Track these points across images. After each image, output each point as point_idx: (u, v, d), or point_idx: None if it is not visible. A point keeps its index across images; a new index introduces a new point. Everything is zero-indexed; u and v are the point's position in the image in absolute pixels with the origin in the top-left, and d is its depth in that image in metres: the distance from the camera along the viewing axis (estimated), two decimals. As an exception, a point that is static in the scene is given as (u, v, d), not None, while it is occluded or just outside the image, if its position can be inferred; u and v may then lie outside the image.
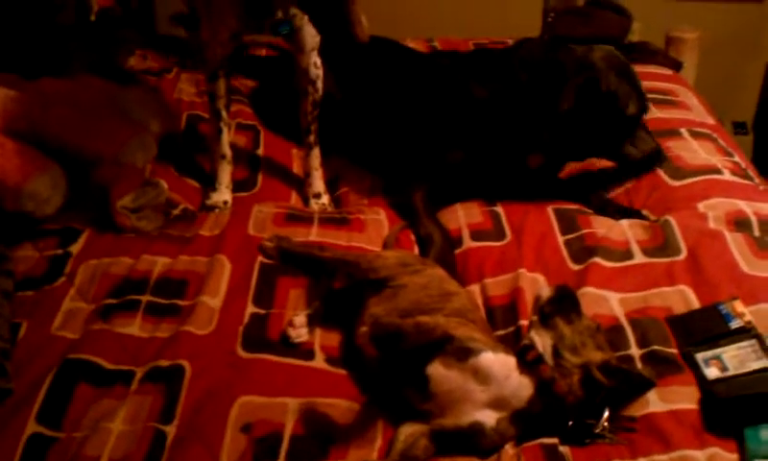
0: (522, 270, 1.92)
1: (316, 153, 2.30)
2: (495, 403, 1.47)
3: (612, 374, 1.50)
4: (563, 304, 1.59)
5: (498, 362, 1.50)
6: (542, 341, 1.54)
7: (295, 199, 2.31)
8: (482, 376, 1.47)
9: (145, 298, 1.82)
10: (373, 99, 2.49)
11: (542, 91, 2.15)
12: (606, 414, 1.48)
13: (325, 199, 2.29)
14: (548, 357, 1.51)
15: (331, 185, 2.36)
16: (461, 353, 1.49)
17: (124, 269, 1.91)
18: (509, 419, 1.47)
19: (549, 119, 2.14)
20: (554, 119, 2.13)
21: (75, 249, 1.98)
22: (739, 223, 2.01)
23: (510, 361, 1.51)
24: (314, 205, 2.26)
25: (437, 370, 1.48)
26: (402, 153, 2.35)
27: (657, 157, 2.26)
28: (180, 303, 1.81)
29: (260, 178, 2.36)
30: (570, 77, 2.12)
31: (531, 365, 1.50)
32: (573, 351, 1.51)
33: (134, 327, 1.74)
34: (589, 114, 2.14)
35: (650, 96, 2.51)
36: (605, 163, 2.32)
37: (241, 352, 1.68)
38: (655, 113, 2.55)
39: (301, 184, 2.33)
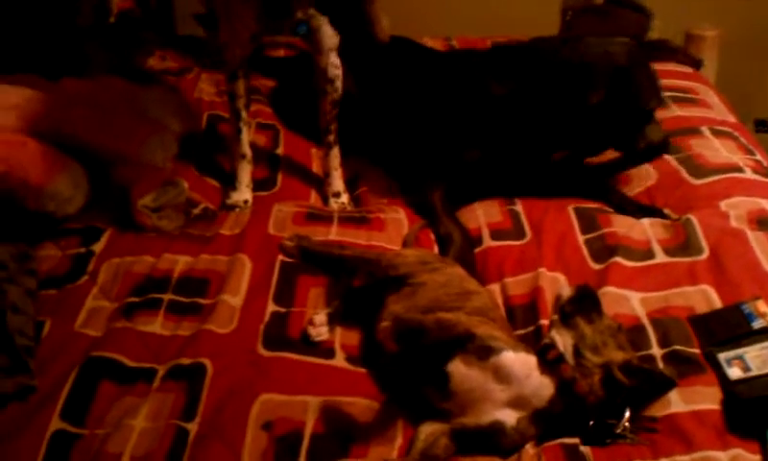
0: (542, 269, 1.92)
1: (335, 152, 2.30)
2: (516, 403, 1.47)
3: (633, 373, 1.49)
4: (583, 304, 1.59)
5: (519, 361, 1.49)
6: (563, 340, 1.53)
7: (314, 198, 2.31)
8: (503, 375, 1.47)
9: (167, 296, 1.83)
10: (392, 98, 2.49)
11: (567, 87, 2.14)
12: (627, 414, 1.47)
13: (345, 198, 2.29)
14: (569, 357, 1.50)
15: (350, 184, 2.36)
16: (482, 352, 1.48)
17: (146, 268, 1.93)
18: (529, 418, 1.47)
19: (576, 114, 2.13)
20: (581, 113, 2.13)
21: (97, 248, 2.00)
22: (762, 222, 1.99)
23: (531, 360, 1.50)
24: (333, 204, 2.27)
25: (457, 368, 1.48)
26: (421, 152, 2.35)
27: (664, 147, 2.24)
28: (202, 301, 1.82)
29: (280, 177, 2.37)
30: (597, 70, 2.12)
31: (552, 365, 1.49)
32: (594, 351, 1.50)
33: (156, 326, 1.75)
34: (616, 107, 2.13)
35: (670, 94, 2.51)
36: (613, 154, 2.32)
37: (262, 351, 1.68)
38: (675, 111, 2.54)
39: (321, 184, 2.34)
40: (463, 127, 2.28)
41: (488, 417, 1.46)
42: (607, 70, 2.12)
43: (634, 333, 1.68)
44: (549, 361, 1.49)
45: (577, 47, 2.20)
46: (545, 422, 1.48)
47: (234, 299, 1.82)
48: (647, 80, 2.17)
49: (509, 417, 1.46)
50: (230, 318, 1.77)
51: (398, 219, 2.16)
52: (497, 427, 1.45)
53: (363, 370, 1.66)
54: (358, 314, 1.79)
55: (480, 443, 1.47)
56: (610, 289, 1.82)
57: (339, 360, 1.68)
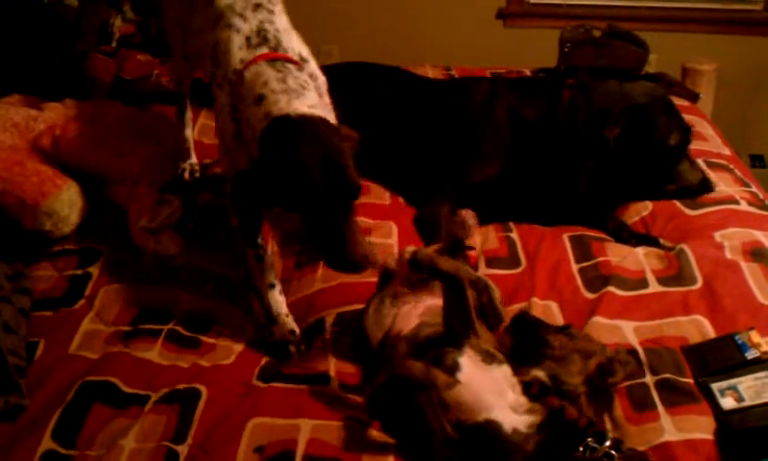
0: (534, 298, 1.92)
1: None
2: (511, 409, 1.46)
3: (611, 372, 1.53)
4: (525, 329, 1.64)
5: (509, 376, 1.50)
6: (541, 374, 1.52)
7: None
8: (499, 385, 1.47)
9: (167, 327, 1.82)
10: (401, 126, 2.49)
11: (590, 121, 2.20)
12: (608, 443, 1.46)
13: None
14: (552, 387, 1.49)
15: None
16: (486, 356, 1.50)
17: (145, 295, 1.92)
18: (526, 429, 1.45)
19: (595, 148, 2.20)
20: (600, 148, 2.19)
21: (95, 270, 2.00)
22: (756, 253, 2.00)
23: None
24: None
25: (466, 362, 1.48)
26: (432, 170, 2.37)
27: (704, 187, 2.28)
28: (203, 338, 1.82)
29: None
30: (616, 107, 2.19)
31: (538, 398, 1.48)
32: (569, 375, 1.50)
33: (154, 353, 1.74)
34: (634, 145, 2.19)
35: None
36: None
37: (257, 383, 1.68)
38: (672, 144, 2.56)
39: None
40: (483, 146, 2.32)
41: (484, 415, 1.44)
42: (623, 107, 2.19)
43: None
44: (535, 396, 1.49)
45: (602, 85, 2.27)
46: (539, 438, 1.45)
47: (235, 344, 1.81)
48: (667, 118, 2.23)
49: (505, 421, 1.44)
50: (228, 356, 1.76)
51: (389, 243, 2.15)
52: (494, 426, 1.44)
53: (356, 395, 1.64)
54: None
55: (478, 445, 1.44)
56: (603, 319, 1.82)
57: (333, 388, 1.66)
